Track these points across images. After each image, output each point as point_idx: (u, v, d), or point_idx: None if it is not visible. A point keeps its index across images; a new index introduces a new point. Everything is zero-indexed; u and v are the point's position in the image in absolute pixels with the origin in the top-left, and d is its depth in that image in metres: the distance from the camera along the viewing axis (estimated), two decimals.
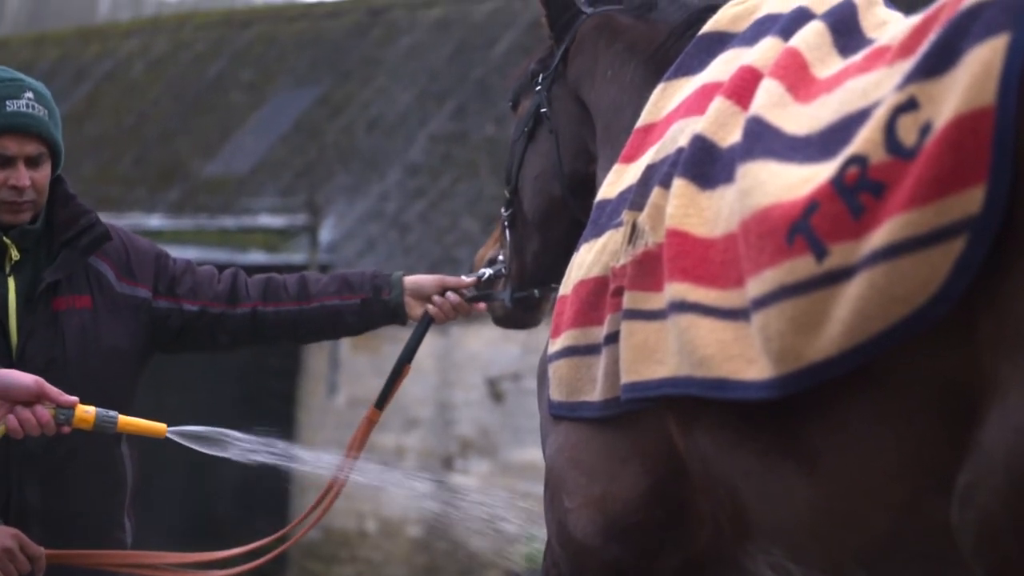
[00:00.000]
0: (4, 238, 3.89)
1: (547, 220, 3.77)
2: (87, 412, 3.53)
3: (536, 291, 3.87)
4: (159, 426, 3.61)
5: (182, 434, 3.62)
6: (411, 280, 4.07)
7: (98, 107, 21.22)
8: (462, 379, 13.74)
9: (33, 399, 3.48)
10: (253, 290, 4.09)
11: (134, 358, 3.99)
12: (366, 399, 17.49)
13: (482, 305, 4.07)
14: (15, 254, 3.89)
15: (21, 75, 3.96)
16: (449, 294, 4.05)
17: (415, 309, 4.08)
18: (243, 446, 3.66)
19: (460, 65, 17.12)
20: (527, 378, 14.04)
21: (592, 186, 3.61)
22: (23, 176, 3.85)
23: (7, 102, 3.86)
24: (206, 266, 4.16)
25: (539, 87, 3.76)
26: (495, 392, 13.51)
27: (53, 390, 3.50)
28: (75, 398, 3.53)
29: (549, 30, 3.79)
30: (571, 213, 3.69)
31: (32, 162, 3.88)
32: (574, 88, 3.69)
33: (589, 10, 3.72)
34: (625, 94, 3.49)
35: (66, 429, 3.54)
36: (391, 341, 16.26)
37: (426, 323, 4.06)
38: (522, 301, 3.90)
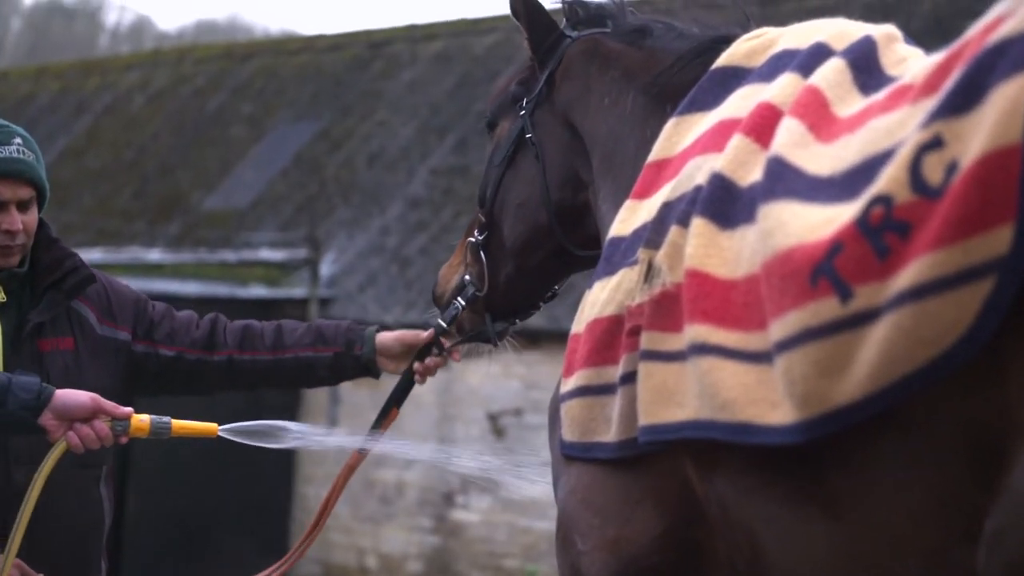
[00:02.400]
0: None
1: (527, 247, 3.70)
2: (142, 421, 3.66)
3: (516, 320, 3.84)
4: (211, 426, 3.73)
5: (233, 431, 3.73)
6: (380, 341, 4.08)
7: (98, 140, 21.21)
8: (463, 414, 13.68)
9: (91, 415, 3.63)
10: (231, 337, 4.14)
11: (115, 399, 4.00)
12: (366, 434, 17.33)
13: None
14: (1, 296, 3.95)
15: (5, 121, 4.04)
16: (428, 359, 4.01)
17: (388, 365, 4.09)
18: (295, 435, 3.75)
19: (461, 98, 17.11)
20: (528, 413, 13.98)
21: (580, 215, 3.56)
22: (16, 220, 3.93)
23: None
24: (186, 312, 4.24)
25: (523, 111, 3.69)
26: (496, 427, 13.45)
27: (108, 404, 3.65)
28: (129, 409, 3.67)
29: (532, 53, 3.72)
30: (555, 242, 3.64)
31: (22, 206, 3.96)
32: (564, 113, 3.61)
33: (575, 34, 3.66)
34: (625, 124, 3.43)
35: (124, 439, 3.67)
36: (390, 376, 16.20)
37: (407, 381, 4.04)
38: (493, 315, 3.83)
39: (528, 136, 3.66)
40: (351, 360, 4.10)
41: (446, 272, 3.94)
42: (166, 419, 3.69)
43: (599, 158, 3.49)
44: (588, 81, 3.56)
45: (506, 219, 3.72)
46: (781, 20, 3.30)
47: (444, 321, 3.90)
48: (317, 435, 3.81)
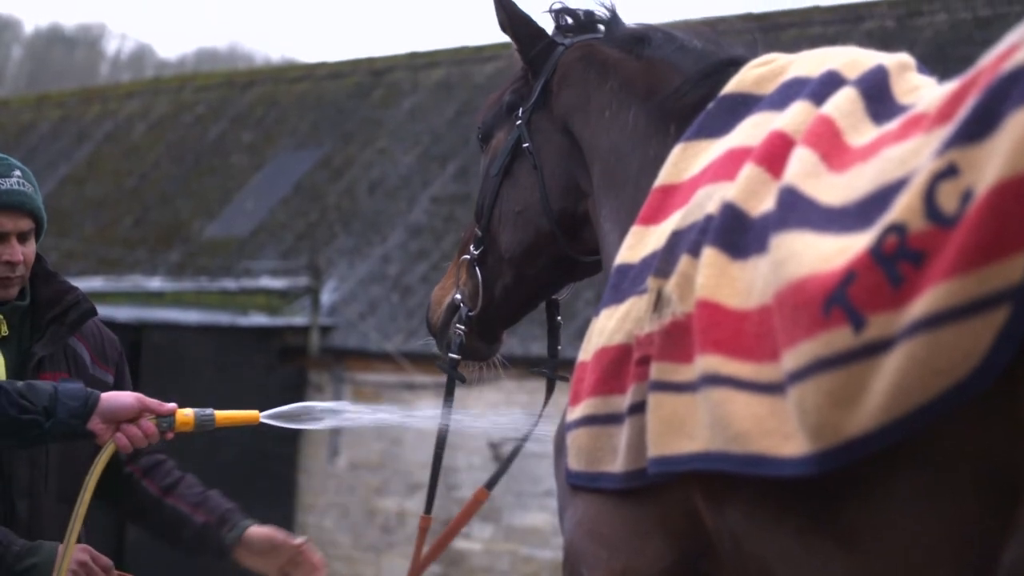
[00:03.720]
0: None
1: (528, 255, 3.64)
2: (186, 416, 3.71)
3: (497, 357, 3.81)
4: (253, 413, 3.79)
5: (274, 416, 3.78)
6: (250, 534, 4.09)
7: (99, 168, 21.22)
8: (464, 443, 13.65)
9: (137, 415, 3.68)
10: (145, 457, 4.17)
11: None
12: (367, 463, 17.52)
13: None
14: (5, 330, 3.99)
15: (4, 155, 4.08)
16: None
17: (246, 558, 4.10)
18: (335, 414, 3.80)
19: (462, 126, 17.12)
20: (530, 441, 13.85)
21: (581, 224, 3.53)
22: (17, 251, 3.97)
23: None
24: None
25: (519, 120, 3.64)
26: (498, 456, 13.41)
27: (153, 402, 3.70)
28: (173, 405, 3.72)
29: (523, 61, 3.69)
30: (555, 249, 3.60)
31: (22, 238, 4.01)
32: (562, 121, 3.57)
33: (567, 40, 3.62)
34: (628, 140, 3.39)
35: (169, 435, 3.73)
36: (392, 404, 16.20)
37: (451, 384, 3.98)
38: (485, 331, 3.78)
39: (525, 145, 3.61)
40: (215, 538, 4.10)
41: (438, 294, 3.88)
42: (209, 411, 3.74)
43: (600, 172, 3.46)
44: (587, 89, 3.52)
45: (504, 228, 3.67)
46: (783, 47, 3.29)
47: (450, 351, 3.84)
48: (357, 413, 3.84)
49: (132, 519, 4.30)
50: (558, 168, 3.58)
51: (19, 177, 4.01)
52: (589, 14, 3.66)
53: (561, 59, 3.59)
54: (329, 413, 3.78)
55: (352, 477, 15.27)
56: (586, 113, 3.51)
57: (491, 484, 4.00)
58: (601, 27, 3.63)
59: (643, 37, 3.49)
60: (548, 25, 3.73)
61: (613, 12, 3.63)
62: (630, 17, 3.64)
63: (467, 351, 3.81)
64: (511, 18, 3.68)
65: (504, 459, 4.02)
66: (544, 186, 3.57)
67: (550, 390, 3.94)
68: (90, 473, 3.67)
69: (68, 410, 3.59)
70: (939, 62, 2.74)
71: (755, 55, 3.28)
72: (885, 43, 3.30)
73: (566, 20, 3.67)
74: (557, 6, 3.69)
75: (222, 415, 3.75)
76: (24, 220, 3.98)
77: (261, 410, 3.78)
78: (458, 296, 3.76)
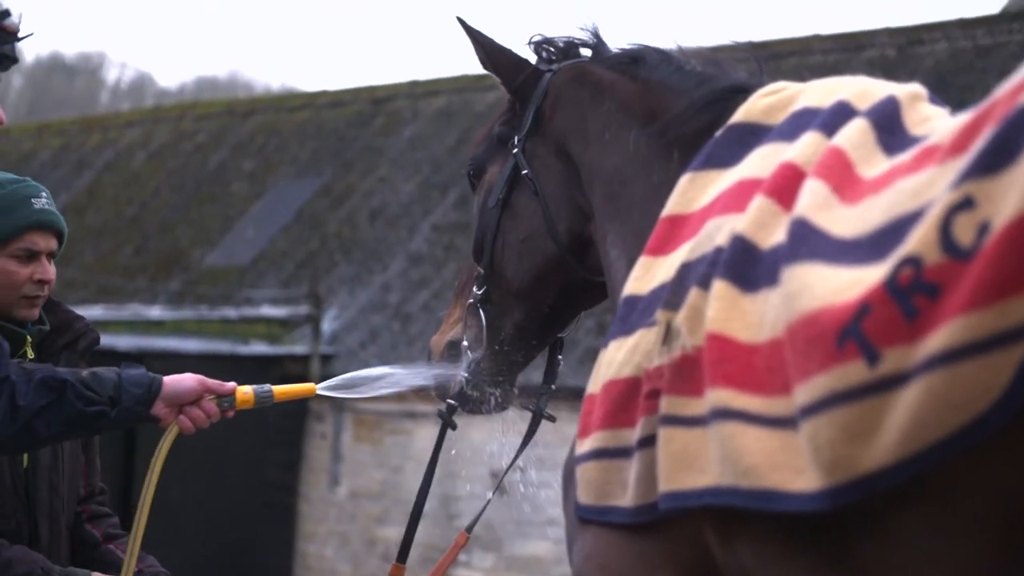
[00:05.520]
0: (27, 334, 3.99)
1: (538, 283, 3.58)
2: (246, 393, 3.74)
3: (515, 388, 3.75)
4: (309, 386, 3.81)
5: (330, 387, 3.82)
6: None
7: (99, 197, 21.22)
8: (466, 471, 13.61)
9: (199, 398, 3.69)
10: (99, 509, 4.25)
11: (75, 462, 4.17)
12: (368, 491, 17.48)
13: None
14: (31, 352, 3.99)
15: (25, 177, 4.12)
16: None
17: None
18: (388, 379, 3.80)
19: (463, 155, 17.11)
20: (532, 470, 13.84)
21: (588, 245, 3.50)
22: (49, 270, 3.99)
23: (31, 200, 4.01)
24: None
25: (515, 148, 3.58)
26: (500, 486, 13.37)
27: (213, 383, 3.72)
28: (232, 384, 3.74)
29: (508, 92, 3.65)
30: (566, 274, 3.55)
31: (50, 258, 4.03)
32: (559, 143, 3.53)
33: (554, 66, 3.59)
34: (631, 164, 3.35)
35: (230, 413, 3.75)
36: (393, 433, 16.17)
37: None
38: (497, 375, 3.69)
39: (525, 172, 3.57)
40: None
41: (438, 341, 3.80)
42: (267, 387, 3.76)
43: (602, 196, 3.42)
44: (582, 110, 3.48)
45: (509, 260, 3.61)
46: (783, 75, 3.26)
47: (450, 398, 3.78)
48: (409, 375, 3.82)
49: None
50: (559, 192, 3.54)
51: (47, 197, 4.05)
52: (570, 43, 3.63)
53: (552, 82, 3.56)
54: (380, 379, 3.80)
55: (353, 506, 15.22)
56: (584, 135, 3.47)
57: (471, 527, 3.98)
58: (585, 52, 3.61)
59: (637, 57, 3.46)
60: (530, 58, 3.70)
61: (597, 36, 3.60)
62: (622, 44, 3.61)
63: (479, 399, 3.74)
64: (489, 52, 3.66)
65: (496, 488, 3.99)
66: (548, 210, 3.54)
67: (534, 426, 3.89)
68: (155, 458, 3.69)
69: (133, 397, 3.60)
70: (940, 90, 2.73)
71: (758, 80, 3.26)
72: (886, 72, 3.27)
73: (548, 51, 3.65)
74: (537, 38, 3.67)
75: (280, 390, 3.78)
76: (53, 240, 4.02)
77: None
78: (464, 343, 3.69)
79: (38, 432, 3.52)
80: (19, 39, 3.42)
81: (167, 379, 3.68)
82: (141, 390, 3.61)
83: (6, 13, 3.39)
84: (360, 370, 3.82)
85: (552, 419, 3.91)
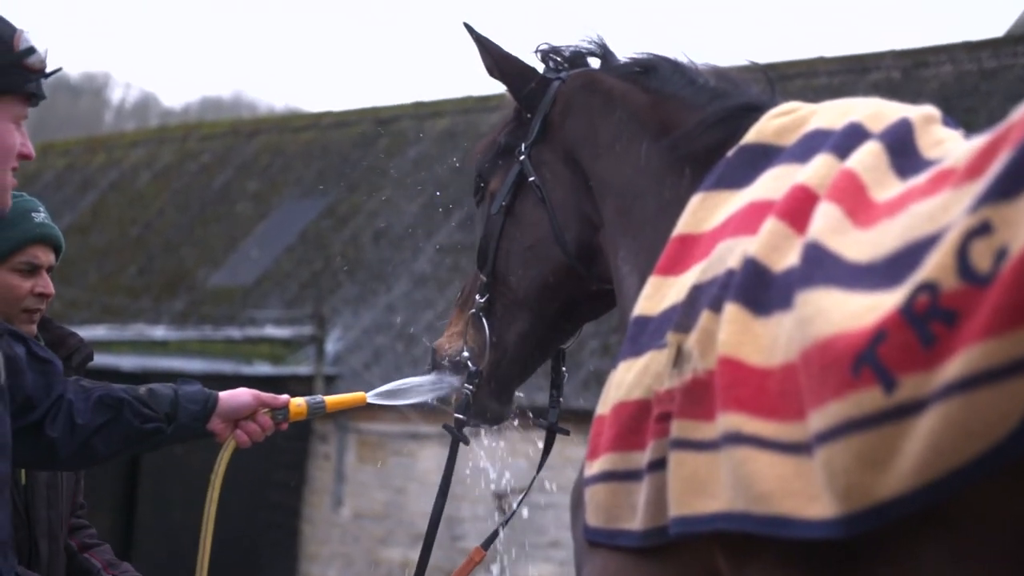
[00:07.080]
0: None
1: (544, 291, 3.54)
2: (299, 405, 3.79)
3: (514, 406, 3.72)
4: (360, 395, 3.87)
5: (379, 395, 3.87)
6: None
7: (103, 217, 21.22)
8: (469, 493, 13.57)
9: (254, 412, 3.73)
10: (78, 521, 4.29)
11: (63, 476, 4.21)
12: (371, 512, 17.45)
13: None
14: None
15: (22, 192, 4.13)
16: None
17: None
18: (435, 385, 3.80)
19: (467, 176, 17.09)
20: (535, 492, 13.81)
21: (596, 254, 3.47)
22: (49, 284, 4.01)
23: (32, 214, 4.03)
24: None
25: (521, 155, 3.54)
26: (502, 506, 13.34)
27: (267, 396, 3.76)
28: (286, 396, 3.79)
29: (516, 100, 3.62)
30: (572, 283, 3.52)
31: (48, 272, 4.06)
32: (567, 151, 3.49)
33: (563, 74, 3.56)
34: (642, 178, 3.32)
35: (284, 426, 3.80)
36: (396, 454, 16.13)
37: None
38: (499, 388, 3.66)
39: (532, 179, 3.53)
40: None
41: (443, 341, 3.77)
42: (319, 398, 3.83)
43: (614, 209, 3.38)
44: (592, 119, 3.46)
45: (514, 268, 3.57)
46: (789, 97, 3.24)
47: (456, 411, 3.75)
48: (458, 379, 3.77)
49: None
50: (567, 199, 3.50)
51: (44, 212, 4.08)
52: (577, 52, 3.61)
53: (560, 90, 3.54)
54: (428, 385, 3.80)
55: (356, 527, 15.19)
56: (594, 144, 3.45)
57: (487, 544, 3.93)
58: (592, 61, 3.59)
59: (648, 67, 3.44)
60: (537, 66, 3.67)
61: (603, 45, 3.58)
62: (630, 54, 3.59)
63: (479, 412, 3.72)
64: (496, 60, 3.63)
65: (508, 513, 3.95)
66: (555, 218, 3.51)
67: (550, 441, 3.86)
68: (214, 473, 3.72)
69: (189, 414, 3.62)
70: (945, 113, 2.71)
71: (770, 98, 3.23)
72: (891, 94, 3.24)
73: (555, 59, 3.62)
74: (544, 47, 3.64)
75: (332, 400, 3.85)
76: (52, 254, 4.05)
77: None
78: (465, 354, 3.67)
79: (96, 450, 3.52)
80: (46, 76, 3.37)
81: (222, 394, 3.71)
82: (198, 406, 3.63)
83: (31, 51, 3.31)
84: (408, 378, 3.84)
85: (566, 433, 3.88)
